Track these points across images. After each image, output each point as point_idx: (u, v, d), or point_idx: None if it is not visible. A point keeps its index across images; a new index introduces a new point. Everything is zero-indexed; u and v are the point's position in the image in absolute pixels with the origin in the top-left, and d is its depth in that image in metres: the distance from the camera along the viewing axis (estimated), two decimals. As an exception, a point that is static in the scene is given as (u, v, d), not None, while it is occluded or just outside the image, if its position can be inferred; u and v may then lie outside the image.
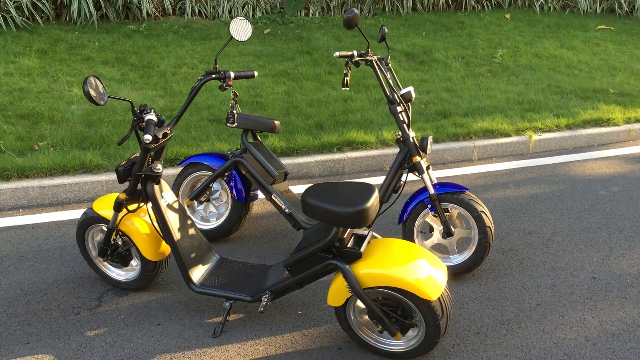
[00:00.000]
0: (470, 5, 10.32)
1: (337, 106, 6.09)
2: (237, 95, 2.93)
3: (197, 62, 7.09)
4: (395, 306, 2.66)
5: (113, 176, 4.39)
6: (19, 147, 4.65)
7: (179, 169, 4.53)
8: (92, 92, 2.32)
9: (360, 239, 2.70)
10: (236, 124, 2.94)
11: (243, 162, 3.57)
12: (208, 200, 3.75)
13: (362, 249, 2.59)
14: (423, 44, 8.37)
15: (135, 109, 2.52)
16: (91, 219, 3.07)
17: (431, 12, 10.09)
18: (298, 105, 6.02)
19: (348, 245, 2.63)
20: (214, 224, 3.78)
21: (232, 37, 2.89)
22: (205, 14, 8.96)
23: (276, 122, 3.62)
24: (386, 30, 3.55)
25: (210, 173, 3.68)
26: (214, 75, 2.82)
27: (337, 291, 2.65)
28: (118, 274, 3.21)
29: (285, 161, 4.86)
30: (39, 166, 4.31)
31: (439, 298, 2.57)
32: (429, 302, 2.53)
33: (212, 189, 3.75)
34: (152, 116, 2.50)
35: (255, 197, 3.76)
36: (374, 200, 2.48)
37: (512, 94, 6.86)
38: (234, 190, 3.62)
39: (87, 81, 2.31)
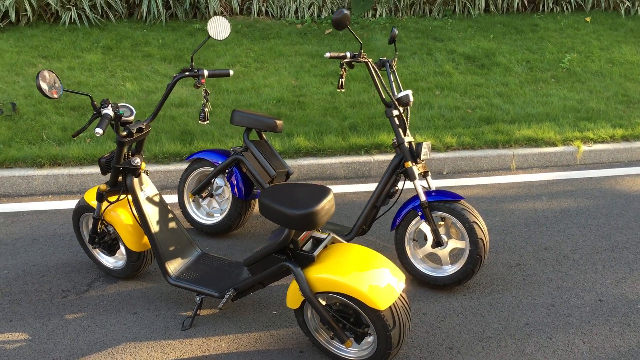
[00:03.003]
0: (547, 7, 9.85)
1: (378, 109, 6.02)
2: (208, 94, 2.98)
3: (251, 60, 7.24)
4: (350, 313, 2.61)
5: (138, 168, 4.58)
6: (60, 137, 4.95)
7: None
8: (44, 86, 2.44)
9: (318, 243, 2.67)
10: (208, 120, 2.99)
11: (243, 160, 3.62)
12: (211, 195, 3.83)
13: (315, 253, 2.56)
14: (487, 47, 8.09)
15: (96, 103, 2.62)
16: (82, 208, 3.22)
17: (505, 14, 9.72)
18: (339, 107, 6.00)
19: (303, 248, 2.61)
20: (216, 219, 3.85)
21: (209, 36, 2.94)
22: (272, 13, 9.12)
23: (278, 122, 3.64)
24: (396, 32, 3.48)
25: (213, 169, 3.76)
26: (187, 73, 2.89)
27: (293, 293, 2.63)
28: (108, 261, 3.36)
29: (309, 161, 4.87)
30: (71, 155, 4.58)
31: (390, 308, 2.49)
32: (378, 311, 2.46)
33: (216, 185, 3.83)
34: (108, 111, 2.59)
35: (257, 195, 3.80)
36: (324, 203, 2.45)
37: (572, 101, 6.49)
38: (235, 188, 3.68)
39: (40, 75, 2.43)
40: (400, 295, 2.58)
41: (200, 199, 3.89)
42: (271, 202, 2.47)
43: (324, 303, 2.68)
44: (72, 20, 7.86)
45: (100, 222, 3.15)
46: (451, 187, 4.84)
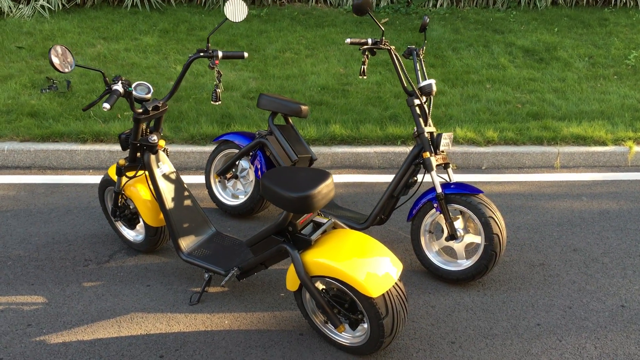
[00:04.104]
0: (620, 1, 9.38)
1: (423, 99, 5.93)
2: (221, 75, 3.03)
3: (302, 47, 7.27)
4: (346, 299, 2.61)
5: (175, 147, 4.71)
6: (106, 114, 5.15)
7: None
8: (56, 60, 2.54)
9: (319, 227, 2.68)
10: (220, 101, 3.04)
11: (267, 143, 3.66)
12: (236, 177, 3.89)
13: (313, 237, 2.57)
14: (549, 41, 7.80)
15: (108, 79, 2.71)
16: (106, 182, 3.36)
17: (573, 7, 9.34)
18: (383, 96, 5.95)
19: (303, 232, 2.62)
20: (239, 200, 3.92)
21: (226, 18, 2.98)
22: (330, 1, 9.11)
23: (303, 107, 3.66)
24: (427, 20, 3.42)
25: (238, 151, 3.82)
26: (202, 54, 2.95)
27: (292, 275, 2.65)
28: (129, 234, 3.48)
29: (343, 149, 4.86)
30: (113, 133, 4.76)
31: (383, 296, 2.47)
32: (370, 298, 2.45)
33: (241, 167, 3.88)
34: (118, 87, 2.68)
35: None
36: (321, 188, 2.45)
37: (632, 100, 6.18)
38: (258, 171, 3.72)
39: (52, 50, 2.54)
40: (396, 284, 2.55)
41: (226, 180, 3.96)
42: (270, 184, 2.50)
43: (322, 287, 2.69)
44: (135, 4, 8.13)
45: (120, 196, 3.28)
46: (488, 182, 4.72)
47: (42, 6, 7.64)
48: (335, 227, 2.74)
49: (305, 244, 2.58)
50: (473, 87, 6.35)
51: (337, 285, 2.57)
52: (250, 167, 3.88)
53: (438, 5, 9.24)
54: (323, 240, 2.61)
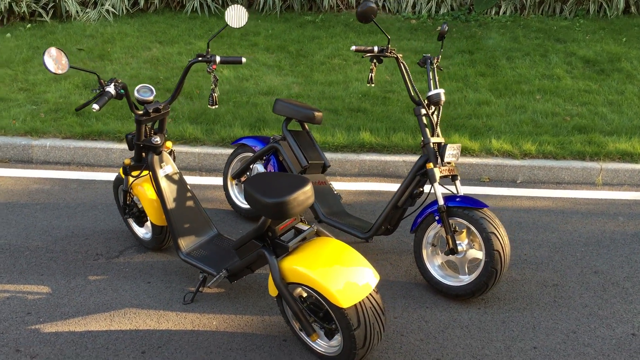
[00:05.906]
0: (700, 10, 8.79)
1: (466, 109, 5.79)
2: (217, 79, 3.08)
3: (351, 54, 7.27)
4: (323, 308, 2.59)
5: (206, 149, 4.83)
6: (147, 115, 5.34)
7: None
8: (50, 62, 2.65)
9: (300, 234, 2.67)
10: (217, 105, 3.09)
11: (279, 148, 3.69)
12: (250, 181, 3.94)
13: (291, 244, 2.57)
14: (613, 51, 7.42)
15: (103, 81, 2.81)
16: (119, 180, 3.49)
17: (648, 16, 8.83)
18: (423, 104, 5.85)
19: (282, 238, 2.63)
20: (254, 204, 3.96)
21: (227, 24, 3.03)
22: (389, 8, 9.05)
23: (316, 113, 3.66)
24: (446, 29, 3.35)
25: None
26: (200, 58, 3.01)
27: (272, 281, 2.66)
28: (139, 231, 3.59)
29: (371, 157, 4.82)
30: (147, 133, 4.92)
31: (355, 307, 2.44)
32: (341, 308, 2.42)
33: (256, 171, 3.92)
34: (110, 89, 2.77)
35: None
36: (298, 194, 2.44)
37: (694, 115, 5.78)
38: (271, 175, 3.75)
39: (47, 52, 2.65)
40: (371, 296, 2.50)
41: (242, 183, 4.02)
42: (250, 189, 2.52)
43: (303, 295, 2.69)
44: (194, 9, 8.38)
45: (128, 194, 3.39)
46: (519, 196, 4.55)
47: (107, 10, 8.02)
48: (318, 234, 2.72)
49: (283, 250, 2.59)
50: (521, 98, 6.13)
51: (314, 294, 2.55)
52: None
53: (501, 13, 8.99)
54: (302, 247, 2.60)
